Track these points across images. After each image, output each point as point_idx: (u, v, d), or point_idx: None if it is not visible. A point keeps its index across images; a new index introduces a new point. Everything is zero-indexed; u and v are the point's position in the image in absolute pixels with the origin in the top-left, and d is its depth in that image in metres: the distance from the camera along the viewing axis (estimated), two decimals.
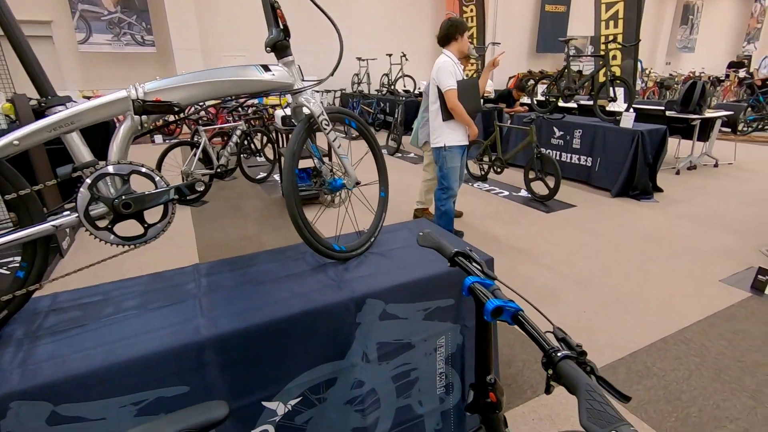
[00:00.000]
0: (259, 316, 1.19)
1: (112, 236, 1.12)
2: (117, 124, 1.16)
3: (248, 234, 3.86)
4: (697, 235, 3.68)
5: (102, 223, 1.13)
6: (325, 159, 1.53)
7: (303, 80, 1.38)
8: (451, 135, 3.22)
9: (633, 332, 2.36)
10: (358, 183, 1.52)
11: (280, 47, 1.30)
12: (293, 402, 1.29)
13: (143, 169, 1.15)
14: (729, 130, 6.68)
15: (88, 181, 1.07)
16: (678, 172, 5.67)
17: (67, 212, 1.08)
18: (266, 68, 1.30)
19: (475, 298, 0.83)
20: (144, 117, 1.11)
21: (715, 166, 6.01)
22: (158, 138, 8.90)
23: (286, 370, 1.26)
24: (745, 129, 8.43)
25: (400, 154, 7.19)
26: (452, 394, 1.61)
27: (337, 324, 1.30)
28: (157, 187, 1.18)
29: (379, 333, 1.38)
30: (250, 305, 1.24)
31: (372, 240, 1.62)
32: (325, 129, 1.39)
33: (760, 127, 8.78)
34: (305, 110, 1.39)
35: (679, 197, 4.72)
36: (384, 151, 7.49)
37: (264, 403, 1.25)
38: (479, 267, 0.94)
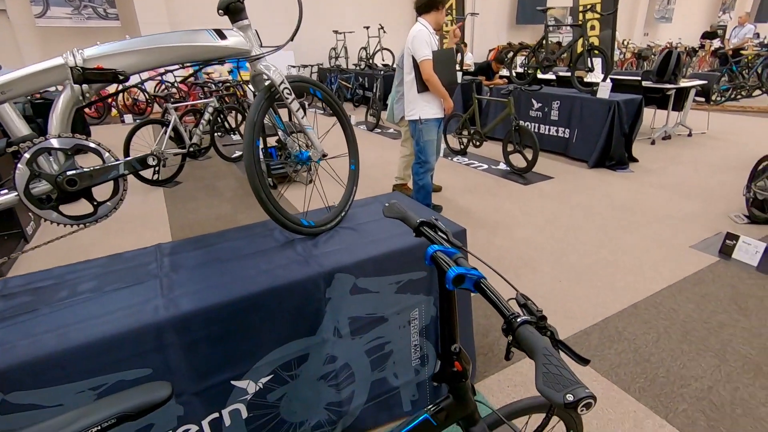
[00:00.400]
0: (221, 294, 1.15)
1: (55, 214, 1.05)
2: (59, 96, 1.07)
3: (223, 213, 3.77)
4: (670, 204, 3.75)
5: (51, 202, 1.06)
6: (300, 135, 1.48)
7: (261, 46, 1.30)
8: (426, 107, 3.16)
9: (605, 299, 2.41)
10: (324, 155, 1.47)
11: (233, 10, 1.22)
12: (264, 380, 1.27)
13: (89, 143, 1.08)
14: (703, 99, 6.76)
15: (27, 156, 0.99)
16: (653, 142, 5.75)
17: (5, 191, 1.00)
18: (220, 33, 1.21)
19: (437, 266, 0.80)
20: (85, 86, 1.03)
21: (689, 135, 6.10)
22: (128, 118, 8.55)
23: (255, 349, 1.24)
24: (718, 98, 8.57)
25: (379, 130, 7.09)
26: (427, 365, 1.62)
27: (306, 300, 1.27)
28: (105, 163, 1.11)
29: (350, 307, 1.36)
30: (213, 283, 1.20)
31: (342, 214, 1.58)
32: (286, 98, 1.32)
33: (732, 96, 8.93)
34: (265, 79, 1.32)
35: (653, 167, 4.79)
36: (363, 127, 7.38)
37: (233, 383, 1.22)
38: (444, 236, 0.92)
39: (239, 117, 6.23)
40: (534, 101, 5.39)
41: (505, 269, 2.74)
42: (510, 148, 4.60)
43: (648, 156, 5.13)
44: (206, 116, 4.86)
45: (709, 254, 2.88)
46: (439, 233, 0.94)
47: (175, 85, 8.37)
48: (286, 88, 1.31)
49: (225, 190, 4.39)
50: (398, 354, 1.54)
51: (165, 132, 4.57)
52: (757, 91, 9.20)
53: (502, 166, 4.89)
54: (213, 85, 6.55)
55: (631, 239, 3.12)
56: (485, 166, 4.96)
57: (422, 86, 3.11)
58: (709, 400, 1.72)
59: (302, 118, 1.38)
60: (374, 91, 7.44)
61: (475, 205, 3.85)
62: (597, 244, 3.06)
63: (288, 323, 1.26)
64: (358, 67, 10.18)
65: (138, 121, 7.38)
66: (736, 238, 2.82)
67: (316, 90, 1.48)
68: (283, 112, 2.09)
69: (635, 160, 4.91)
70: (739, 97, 9.06)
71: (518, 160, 4.58)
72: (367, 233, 1.50)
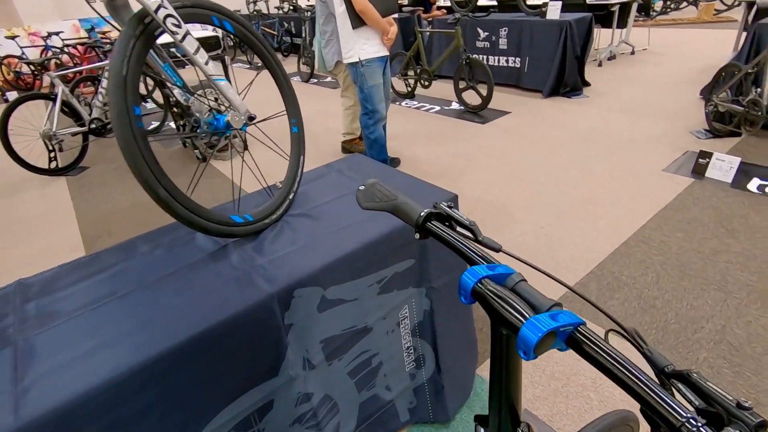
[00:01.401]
0: (120, 358, 0.73)
1: None
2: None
3: (144, 199, 3.15)
4: (630, 126, 3.60)
5: None
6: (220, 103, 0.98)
7: None
8: (366, 46, 2.66)
9: (593, 240, 2.21)
10: (252, 119, 1.01)
11: None
12: None
13: None
14: (642, 15, 6.64)
15: None
16: (600, 64, 5.58)
17: None
18: None
19: (489, 310, 0.44)
20: None
21: (632, 53, 6.00)
22: (12, 95, 7.17)
23: (192, 418, 0.85)
24: (652, 13, 8.55)
25: (316, 80, 6.40)
26: (424, 367, 1.31)
27: (257, 335, 0.88)
28: None
29: (321, 328, 0.99)
30: (106, 340, 0.77)
31: (290, 197, 1.16)
32: (173, 34, 0.83)
33: (663, 9, 8.96)
34: (132, 5, 0.82)
35: (605, 89, 4.63)
36: (297, 78, 6.63)
37: None
38: (471, 231, 0.55)
39: (150, 81, 5.30)
40: (480, 30, 4.96)
41: (481, 223, 2.46)
42: (462, 84, 4.22)
43: (598, 79, 4.96)
44: (104, 83, 4.01)
45: (682, 176, 2.76)
46: (460, 228, 0.58)
47: (65, 50, 7.05)
48: (169, 15, 0.82)
49: (170, 162, 3.71)
50: (389, 364, 1.21)
51: (54, 108, 3.72)
52: (684, 3, 9.29)
53: (456, 105, 4.53)
54: (110, 45, 5.49)
55: (602, 170, 2.93)
56: (437, 108, 4.57)
57: (357, 21, 2.59)
58: (726, 343, 1.58)
59: (206, 64, 0.90)
60: (303, 36, 6.64)
61: (433, 152, 3.50)
62: (570, 180, 2.84)
63: (236, 371, 0.87)
64: (281, 11, 9.10)
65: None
66: (709, 155, 2.70)
67: (223, 20, 0.99)
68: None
69: (588, 84, 4.72)
70: (668, 10, 9.12)
71: (472, 98, 4.23)
72: (329, 219, 1.10)
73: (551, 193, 2.71)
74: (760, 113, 2.80)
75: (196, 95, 0.96)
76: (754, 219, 2.26)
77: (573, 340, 0.40)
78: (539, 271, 0.53)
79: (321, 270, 0.93)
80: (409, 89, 4.91)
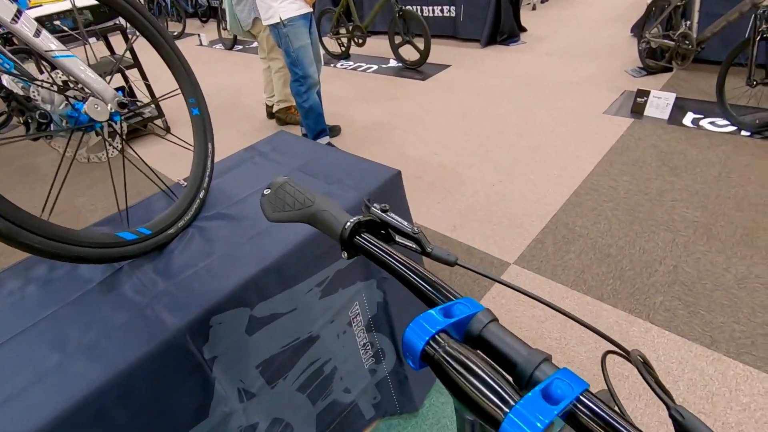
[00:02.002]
0: None
1: None
2: None
3: None
4: (568, 70, 3.56)
5: None
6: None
7: None
8: (285, 3, 2.35)
9: (545, 194, 2.16)
10: (124, 105, 0.78)
11: None
12: None
13: None
14: None
15: None
16: (534, 8, 5.48)
17: None
18: None
19: (452, 388, 0.29)
20: None
21: None
22: None
23: None
24: None
25: (241, 46, 5.85)
26: (384, 360, 1.20)
27: (170, 380, 0.71)
28: None
29: (255, 352, 0.83)
30: None
31: (200, 196, 0.95)
32: None
33: None
34: None
35: (541, 33, 4.55)
36: (219, 46, 6.03)
37: None
38: (416, 242, 0.41)
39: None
40: None
41: (432, 187, 2.34)
42: (398, 39, 3.97)
43: (534, 23, 4.86)
44: None
45: (622, 117, 2.76)
46: (400, 239, 0.43)
47: None
48: None
49: (52, 167, 3.24)
50: (344, 366, 1.08)
51: None
52: None
53: (393, 62, 4.29)
54: None
55: (545, 117, 2.88)
56: (374, 67, 4.31)
57: None
58: (680, 283, 1.59)
59: (36, 36, 0.66)
60: None
61: (374, 115, 3.30)
62: (516, 131, 2.77)
63: (153, 427, 0.70)
64: None
65: None
66: (646, 94, 2.70)
67: None
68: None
69: (524, 30, 4.62)
70: None
71: (410, 53, 4.00)
72: (250, 219, 0.92)
73: (499, 147, 2.63)
74: (690, 46, 2.82)
75: (37, 81, 0.71)
76: (692, 153, 2.30)
77: (574, 416, 0.27)
78: (507, 286, 0.39)
79: (243, 286, 0.76)
80: (343, 49, 4.58)
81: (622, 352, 0.37)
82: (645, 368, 0.36)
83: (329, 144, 2.80)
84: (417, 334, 0.31)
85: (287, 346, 0.89)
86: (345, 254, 0.44)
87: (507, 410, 0.25)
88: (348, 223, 0.44)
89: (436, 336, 0.30)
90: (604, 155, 2.40)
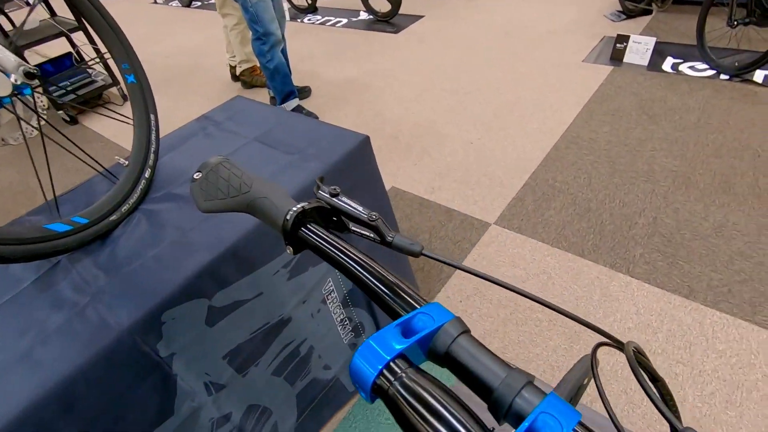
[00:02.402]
0: None
1: None
2: None
3: (10, 182, 2.57)
4: (546, 17, 3.41)
5: None
6: None
7: None
8: None
9: (524, 149, 2.10)
10: (32, 76, 0.65)
11: None
12: None
13: None
14: None
15: None
16: None
17: None
18: None
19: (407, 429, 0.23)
20: None
21: None
22: None
23: None
24: None
25: (199, 2, 5.42)
26: (364, 333, 1.16)
27: (123, 383, 0.64)
28: None
29: (220, 343, 0.77)
30: None
31: (146, 176, 0.85)
32: None
33: None
34: None
35: None
36: (175, 3, 5.57)
37: None
38: (374, 230, 0.34)
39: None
40: None
41: (409, 148, 2.25)
42: None
43: None
44: None
45: (601, 64, 2.67)
46: (355, 227, 0.36)
47: None
48: None
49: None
50: (322, 344, 1.04)
51: None
52: None
53: (364, 14, 4.03)
54: None
55: (524, 69, 2.77)
56: (344, 21, 4.05)
57: None
58: (659, 235, 1.58)
59: None
60: None
61: (346, 72, 3.12)
62: (494, 84, 2.66)
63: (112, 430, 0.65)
64: None
65: None
66: (626, 39, 2.60)
67: None
68: None
69: None
70: None
71: (380, 3, 3.75)
72: None
73: (477, 101, 2.52)
74: None
75: None
76: (671, 100, 2.25)
77: None
78: (476, 275, 0.33)
79: (198, 276, 0.69)
80: (309, 2, 4.28)
81: (615, 345, 0.32)
82: (646, 378, 0.31)
83: (299, 107, 2.65)
84: (367, 361, 0.24)
85: (256, 332, 0.84)
86: (290, 249, 0.37)
87: None
88: (290, 213, 0.36)
89: (391, 364, 0.24)
90: (583, 106, 2.33)
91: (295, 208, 0.36)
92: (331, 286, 1.00)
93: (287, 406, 1.01)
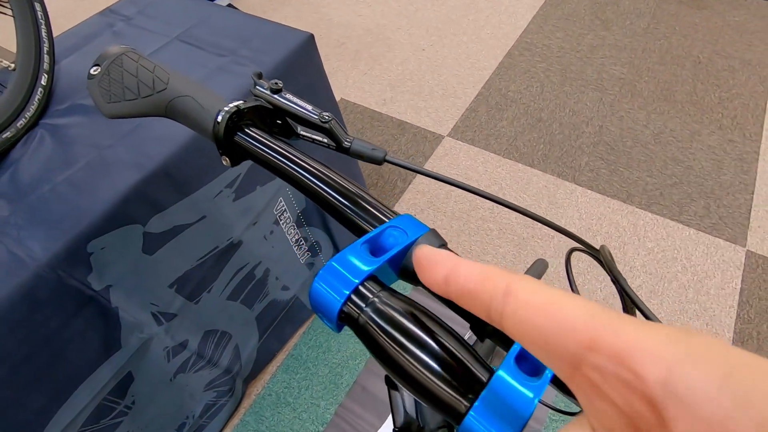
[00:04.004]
0: None
1: None
2: None
3: None
4: None
5: None
6: None
7: None
8: None
9: (478, 56, 2.01)
10: None
11: None
12: None
13: None
14: None
15: None
16: None
17: None
18: None
19: (383, 359, 0.20)
20: None
21: None
22: None
23: (22, 429, 0.60)
24: None
25: None
26: (321, 252, 1.14)
27: (53, 320, 0.58)
28: None
29: (163, 271, 0.71)
30: None
31: (43, 83, 0.70)
32: None
33: None
34: None
35: None
36: None
37: None
38: (327, 134, 0.28)
39: None
40: None
41: (357, 56, 2.08)
42: None
43: None
44: None
45: None
46: (304, 131, 0.30)
47: None
48: None
49: None
50: (278, 266, 1.01)
51: None
52: None
53: None
54: None
55: None
56: None
57: None
58: (603, 143, 1.63)
59: None
60: None
61: None
62: None
63: (51, 368, 0.60)
64: None
65: None
66: None
67: None
68: None
69: None
70: None
71: None
72: None
73: (428, 4, 2.32)
74: None
75: None
76: (624, 3, 2.19)
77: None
78: (449, 183, 0.30)
79: (125, 200, 0.60)
80: None
81: (589, 250, 0.31)
82: (610, 259, 0.30)
83: (230, 5, 2.31)
84: (330, 286, 0.20)
85: (204, 258, 0.78)
86: (226, 160, 0.31)
87: (467, 405, 0.17)
88: (222, 114, 0.29)
89: (360, 288, 0.20)
90: (538, 9, 2.22)
91: (227, 108, 0.29)
92: (283, 205, 0.94)
93: (247, 328, 1.00)
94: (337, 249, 1.14)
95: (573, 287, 0.31)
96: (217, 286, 0.84)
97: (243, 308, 0.95)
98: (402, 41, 2.13)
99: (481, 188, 0.29)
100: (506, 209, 1.27)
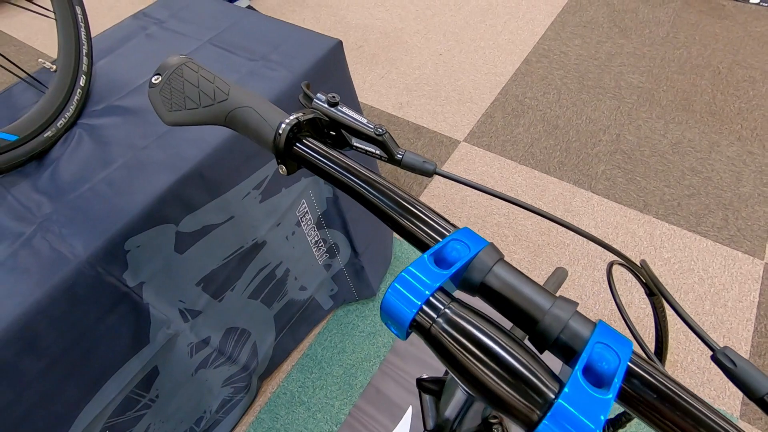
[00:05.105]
0: None
1: None
2: None
3: None
4: None
5: None
6: None
7: None
8: None
9: (495, 62, 2.01)
10: None
11: None
12: None
13: None
14: None
15: None
16: None
17: None
18: None
19: (458, 370, 0.21)
20: None
21: None
22: None
23: (55, 420, 0.61)
24: None
25: None
26: (339, 254, 1.15)
27: (89, 315, 0.60)
28: None
29: (192, 270, 0.73)
30: None
31: (81, 84, 0.72)
32: None
33: None
34: None
35: None
36: None
37: None
38: (380, 147, 0.30)
39: None
40: None
41: (374, 59, 2.09)
42: None
43: None
44: None
45: None
46: (358, 143, 0.32)
47: None
48: None
49: None
50: (297, 266, 1.02)
51: None
52: None
53: None
54: None
55: None
56: None
57: None
58: (621, 152, 1.62)
59: None
60: None
61: None
62: None
63: (83, 364, 0.62)
64: None
65: None
66: None
67: None
68: None
69: None
70: None
71: None
72: (154, 114, 0.72)
73: (446, 8, 2.34)
74: None
75: None
76: (643, 12, 2.19)
77: (628, 393, 0.20)
78: (497, 197, 0.31)
79: (160, 200, 0.62)
80: None
81: (629, 265, 0.31)
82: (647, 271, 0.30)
83: (250, 7, 2.34)
84: (402, 297, 0.21)
85: (230, 258, 0.80)
86: (283, 169, 0.32)
87: (542, 410, 0.18)
88: (283, 126, 0.30)
89: (431, 299, 0.21)
90: (556, 16, 2.22)
91: (288, 120, 0.30)
92: (305, 207, 0.95)
93: (265, 326, 1.01)
94: (355, 251, 1.16)
95: (616, 300, 0.32)
96: (240, 284, 0.86)
97: (262, 307, 0.97)
98: (419, 45, 2.14)
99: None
100: (521, 217, 1.26)
